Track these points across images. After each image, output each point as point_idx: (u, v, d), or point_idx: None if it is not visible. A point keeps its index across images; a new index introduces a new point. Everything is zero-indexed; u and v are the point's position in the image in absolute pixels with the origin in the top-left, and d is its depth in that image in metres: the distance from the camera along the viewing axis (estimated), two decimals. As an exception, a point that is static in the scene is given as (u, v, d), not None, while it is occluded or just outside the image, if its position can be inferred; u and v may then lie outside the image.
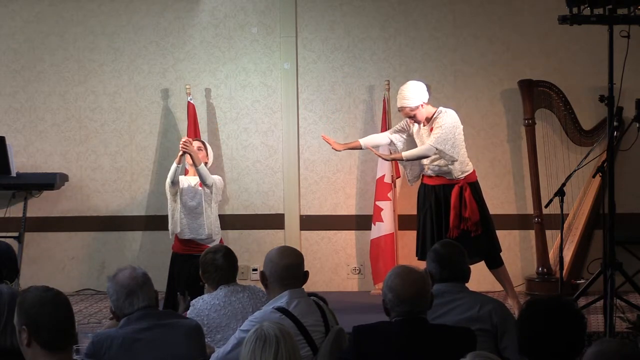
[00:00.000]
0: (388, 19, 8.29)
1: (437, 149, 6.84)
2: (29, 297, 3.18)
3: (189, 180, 7.29)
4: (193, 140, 7.51)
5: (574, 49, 8.09)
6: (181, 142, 7.16)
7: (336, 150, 7.23)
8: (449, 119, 6.90)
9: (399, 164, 7.51)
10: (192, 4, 8.42)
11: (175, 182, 7.19)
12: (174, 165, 7.18)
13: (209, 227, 7.22)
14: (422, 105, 6.95)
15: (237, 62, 8.39)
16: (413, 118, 6.99)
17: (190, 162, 7.26)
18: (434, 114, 6.97)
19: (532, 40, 8.16)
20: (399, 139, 7.18)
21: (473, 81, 8.22)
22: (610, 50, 6.24)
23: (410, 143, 7.15)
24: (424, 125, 7.03)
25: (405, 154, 6.94)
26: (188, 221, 7.23)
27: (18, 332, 3.17)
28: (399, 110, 7.08)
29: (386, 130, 7.95)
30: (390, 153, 7.35)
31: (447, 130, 6.86)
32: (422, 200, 7.13)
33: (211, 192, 7.24)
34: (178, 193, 7.25)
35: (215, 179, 7.31)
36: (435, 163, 6.97)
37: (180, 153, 7.15)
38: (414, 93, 6.95)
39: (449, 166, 6.94)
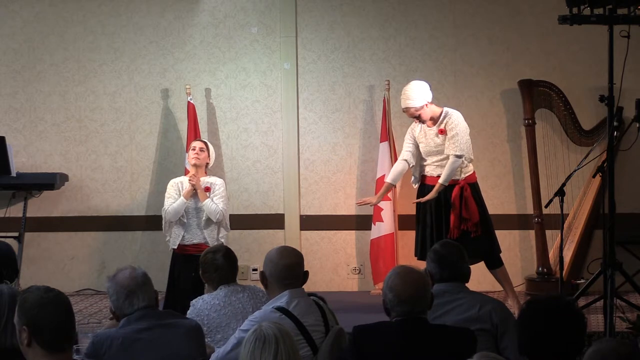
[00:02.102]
0: (388, 19, 8.29)
1: (461, 157, 6.91)
2: (30, 298, 3.18)
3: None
4: (196, 140, 7.51)
5: (574, 49, 8.09)
6: (189, 177, 7.17)
7: (374, 204, 7.46)
8: (460, 123, 6.99)
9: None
10: (192, 4, 8.42)
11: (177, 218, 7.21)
12: (181, 200, 7.16)
13: (213, 230, 7.22)
14: (426, 105, 6.98)
15: (237, 62, 8.39)
16: (418, 118, 7.02)
17: (192, 163, 7.27)
18: (440, 115, 7.01)
19: (532, 40, 8.16)
20: (411, 157, 7.17)
21: (473, 81, 8.22)
22: (610, 50, 6.25)
23: (419, 153, 7.15)
24: (429, 126, 7.04)
25: (442, 180, 6.94)
26: (189, 227, 7.20)
27: (18, 331, 3.17)
28: (403, 111, 7.11)
29: (386, 131, 7.98)
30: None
31: (462, 135, 6.96)
32: (422, 200, 7.14)
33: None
34: None
35: (218, 183, 7.28)
36: (445, 161, 6.99)
37: (189, 187, 7.15)
38: (417, 93, 6.98)
39: (470, 168, 7.00)
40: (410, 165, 7.20)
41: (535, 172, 7.94)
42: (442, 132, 6.99)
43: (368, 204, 7.43)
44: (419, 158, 7.15)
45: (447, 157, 6.98)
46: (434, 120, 7.04)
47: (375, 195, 7.51)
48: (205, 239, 7.18)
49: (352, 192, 8.35)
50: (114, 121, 8.49)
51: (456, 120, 6.98)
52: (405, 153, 7.20)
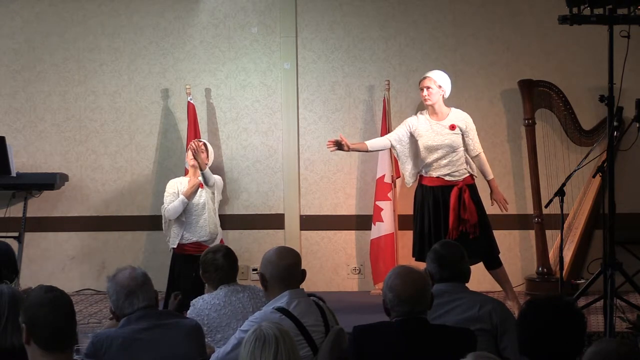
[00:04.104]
0: (388, 19, 8.29)
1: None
2: (31, 296, 3.23)
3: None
4: (195, 140, 7.55)
5: (574, 49, 8.09)
6: (192, 146, 7.21)
7: (347, 147, 7.10)
8: (472, 122, 7.15)
9: (399, 164, 7.48)
10: (192, 4, 8.42)
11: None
12: (182, 199, 7.21)
13: (211, 226, 7.28)
14: (442, 92, 7.08)
15: (237, 62, 8.39)
16: (427, 92, 7.05)
17: (191, 164, 7.32)
18: (449, 113, 7.11)
19: (532, 40, 8.17)
20: (396, 141, 7.18)
21: (473, 81, 8.22)
22: (610, 50, 6.24)
23: (413, 145, 7.16)
24: (435, 120, 7.06)
25: (489, 176, 7.19)
26: (188, 226, 7.25)
27: (22, 329, 3.20)
28: (420, 81, 7.14)
29: (386, 131, 7.96)
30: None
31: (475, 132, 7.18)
32: (419, 201, 7.15)
33: (213, 192, 7.32)
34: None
35: (216, 178, 7.40)
36: (445, 160, 7.02)
37: (191, 186, 7.20)
38: (444, 78, 7.11)
39: (472, 167, 7.09)
40: (394, 149, 7.21)
41: (535, 172, 7.94)
42: (453, 127, 7.05)
43: (343, 142, 7.08)
44: (415, 156, 7.15)
45: (447, 156, 7.03)
46: (441, 115, 7.09)
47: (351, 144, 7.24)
48: (203, 237, 7.23)
49: (352, 192, 8.35)
50: (114, 121, 8.49)
51: (469, 119, 7.14)
52: (393, 135, 7.22)
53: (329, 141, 7.21)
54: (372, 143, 7.31)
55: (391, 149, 7.37)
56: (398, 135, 7.18)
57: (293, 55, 8.34)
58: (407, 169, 7.21)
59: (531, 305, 3.33)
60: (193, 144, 7.26)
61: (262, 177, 8.41)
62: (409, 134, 7.15)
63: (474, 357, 2.87)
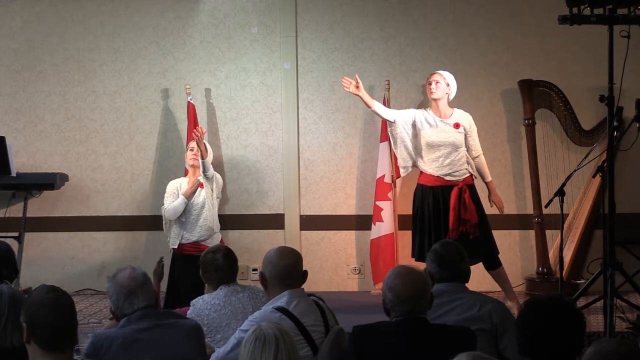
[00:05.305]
0: (388, 19, 8.29)
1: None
2: (33, 296, 3.25)
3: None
4: (194, 141, 7.54)
5: (574, 49, 8.10)
6: (196, 131, 7.21)
7: (356, 89, 7.08)
8: (474, 123, 7.22)
9: (394, 146, 7.42)
10: (192, 4, 8.42)
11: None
12: (182, 199, 7.22)
13: (210, 224, 7.28)
14: (449, 90, 7.13)
15: (237, 62, 8.39)
16: (435, 85, 7.10)
17: (190, 164, 7.33)
18: (452, 112, 7.15)
19: (532, 40, 8.17)
20: (402, 121, 7.16)
21: (473, 81, 8.22)
22: (610, 50, 6.25)
23: (412, 134, 7.16)
24: (440, 117, 7.08)
25: (488, 178, 7.25)
26: (188, 225, 7.27)
27: (23, 328, 3.21)
28: (429, 77, 7.18)
29: (386, 131, 7.95)
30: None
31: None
32: (419, 201, 7.14)
33: (212, 188, 7.32)
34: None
35: (216, 176, 7.42)
36: (448, 160, 7.04)
37: (191, 186, 7.21)
38: (453, 79, 7.18)
39: (472, 167, 7.14)
40: (395, 125, 7.16)
41: (535, 172, 7.94)
42: (458, 126, 7.10)
43: (358, 83, 7.08)
44: (413, 146, 7.16)
45: (450, 155, 7.05)
46: (444, 113, 7.12)
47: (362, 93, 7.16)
48: (203, 236, 7.25)
49: (352, 192, 8.35)
50: (114, 121, 8.49)
51: (472, 120, 7.19)
52: (400, 115, 7.19)
53: (345, 78, 7.17)
54: (379, 107, 7.24)
55: (389, 126, 7.26)
56: (404, 117, 7.19)
57: (293, 55, 8.34)
58: (402, 152, 7.17)
59: (531, 305, 3.33)
60: (197, 130, 7.22)
61: (262, 177, 8.41)
62: (412, 120, 7.16)
63: (466, 357, 2.86)
